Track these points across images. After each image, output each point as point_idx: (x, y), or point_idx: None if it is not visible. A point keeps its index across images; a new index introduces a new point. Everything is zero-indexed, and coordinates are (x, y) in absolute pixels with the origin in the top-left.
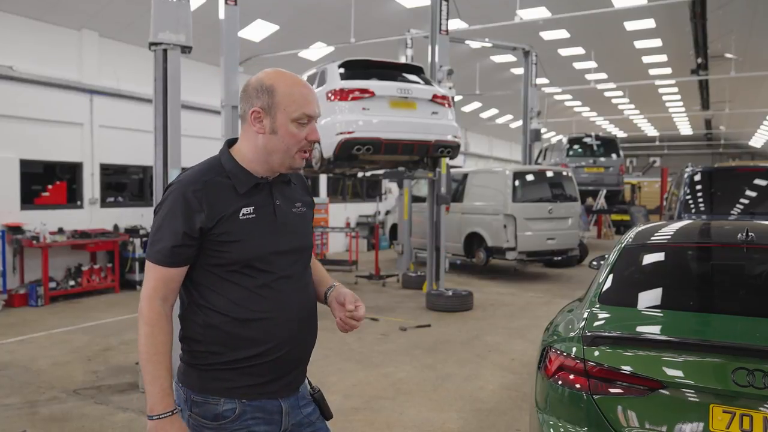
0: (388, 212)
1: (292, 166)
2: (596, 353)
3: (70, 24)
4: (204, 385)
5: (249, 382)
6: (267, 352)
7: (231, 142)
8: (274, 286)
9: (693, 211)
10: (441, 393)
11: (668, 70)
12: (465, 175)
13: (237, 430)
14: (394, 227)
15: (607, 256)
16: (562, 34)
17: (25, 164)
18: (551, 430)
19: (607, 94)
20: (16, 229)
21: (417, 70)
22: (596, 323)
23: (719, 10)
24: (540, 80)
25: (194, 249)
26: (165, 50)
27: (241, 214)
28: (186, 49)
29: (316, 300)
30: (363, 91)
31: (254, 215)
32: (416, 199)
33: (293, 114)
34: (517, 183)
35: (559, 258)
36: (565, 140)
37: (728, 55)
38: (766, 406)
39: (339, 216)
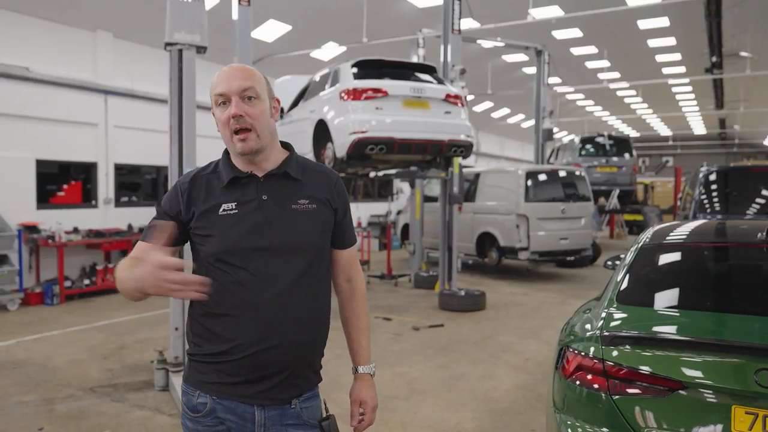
0: (399, 212)
1: (237, 151)
2: (615, 353)
3: (85, 25)
4: (188, 375)
5: (219, 380)
6: (233, 350)
7: None
8: (246, 284)
9: (708, 211)
10: (455, 393)
11: (682, 69)
12: (477, 175)
13: (208, 427)
14: (405, 227)
15: (622, 255)
16: (575, 33)
17: (40, 164)
18: (569, 430)
19: (619, 93)
20: (32, 229)
21: (430, 70)
22: (614, 323)
23: (734, 8)
24: (552, 79)
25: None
26: (180, 50)
27: (221, 210)
28: (201, 49)
29: (320, 309)
30: (376, 90)
31: (236, 210)
32: (428, 198)
33: (213, 100)
34: (529, 183)
35: (572, 258)
36: (577, 140)
37: (743, 54)
38: None
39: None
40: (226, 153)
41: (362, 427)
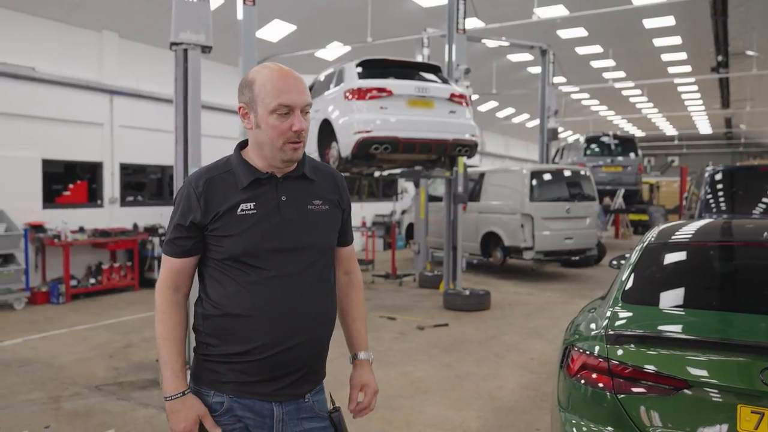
0: (404, 212)
1: (284, 158)
2: (620, 352)
3: (91, 25)
4: (199, 375)
5: (237, 379)
6: (255, 351)
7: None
8: (267, 284)
9: (714, 210)
10: (460, 392)
11: (688, 68)
12: (482, 175)
13: (226, 425)
14: (410, 226)
15: (628, 255)
16: (580, 32)
17: (47, 164)
18: (574, 429)
19: (625, 92)
20: (38, 228)
21: (434, 69)
22: (619, 322)
23: (740, 7)
24: (557, 79)
25: (193, 241)
26: (185, 50)
27: (239, 210)
28: (206, 49)
29: (333, 307)
30: (381, 90)
31: (254, 210)
32: (432, 198)
33: (270, 105)
34: (534, 182)
35: (577, 258)
36: (582, 139)
37: (749, 53)
38: None
39: (355, 215)
40: (239, 151)
41: (360, 408)
